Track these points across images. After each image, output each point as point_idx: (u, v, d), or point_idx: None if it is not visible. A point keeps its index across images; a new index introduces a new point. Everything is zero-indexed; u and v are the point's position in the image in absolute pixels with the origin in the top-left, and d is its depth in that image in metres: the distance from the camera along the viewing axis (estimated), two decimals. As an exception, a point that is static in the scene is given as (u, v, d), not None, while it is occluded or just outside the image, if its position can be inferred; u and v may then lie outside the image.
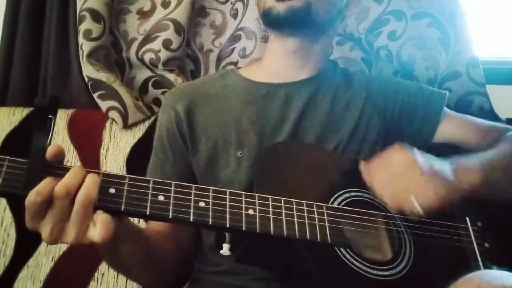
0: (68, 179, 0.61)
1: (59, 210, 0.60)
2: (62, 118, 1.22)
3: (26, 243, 1.14)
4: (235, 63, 1.32)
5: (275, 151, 0.84)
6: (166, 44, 1.25)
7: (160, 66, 1.27)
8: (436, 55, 1.22)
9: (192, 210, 0.66)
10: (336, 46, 1.30)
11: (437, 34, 1.22)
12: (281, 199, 0.72)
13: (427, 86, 1.04)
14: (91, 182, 0.62)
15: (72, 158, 1.19)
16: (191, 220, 0.66)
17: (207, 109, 0.95)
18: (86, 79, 1.24)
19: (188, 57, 1.34)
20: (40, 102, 0.62)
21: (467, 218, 0.84)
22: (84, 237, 0.62)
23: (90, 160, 1.19)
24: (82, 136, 1.21)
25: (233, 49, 1.33)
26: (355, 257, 0.73)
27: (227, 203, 0.68)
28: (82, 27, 1.23)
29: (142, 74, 1.31)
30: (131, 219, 0.78)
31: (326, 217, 0.73)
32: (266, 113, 0.92)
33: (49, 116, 0.62)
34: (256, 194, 0.71)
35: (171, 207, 0.65)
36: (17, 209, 1.14)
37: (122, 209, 0.64)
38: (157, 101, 1.29)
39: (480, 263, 0.80)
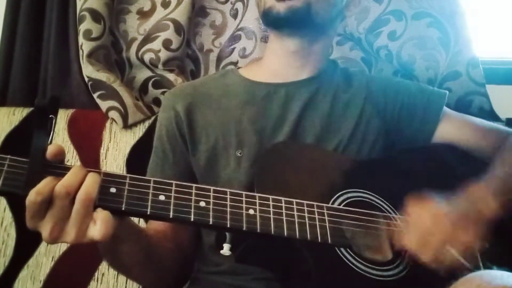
0: (69, 179, 0.61)
1: (59, 209, 0.60)
2: (62, 118, 1.22)
3: (26, 243, 1.15)
4: (235, 63, 1.32)
5: (275, 151, 0.84)
6: (166, 44, 1.25)
7: (160, 66, 1.27)
8: (436, 55, 1.22)
9: (192, 210, 0.66)
10: (336, 46, 1.30)
11: (437, 34, 1.22)
12: (281, 199, 0.72)
13: (427, 86, 1.04)
14: (92, 182, 0.62)
15: (72, 158, 1.19)
16: (192, 220, 0.66)
17: (207, 109, 0.95)
18: (86, 79, 1.25)
19: (188, 57, 1.34)
20: (40, 102, 0.62)
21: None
22: (84, 236, 0.62)
23: (90, 160, 1.19)
24: (82, 136, 1.22)
25: (233, 49, 1.33)
26: (356, 257, 0.73)
27: (228, 203, 0.68)
28: (82, 27, 1.23)
29: (142, 74, 1.31)
30: (132, 218, 0.78)
31: (326, 217, 0.73)
32: (266, 113, 0.92)
33: (50, 116, 0.62)
34: (257, 194, 0.71)
35: (171, 207, 0.65)
36: (17, 209, 1.14)
37: (123, 209, 0.63)
38: (157, 101, 1.29)
39: (480, 263, 0.80)
